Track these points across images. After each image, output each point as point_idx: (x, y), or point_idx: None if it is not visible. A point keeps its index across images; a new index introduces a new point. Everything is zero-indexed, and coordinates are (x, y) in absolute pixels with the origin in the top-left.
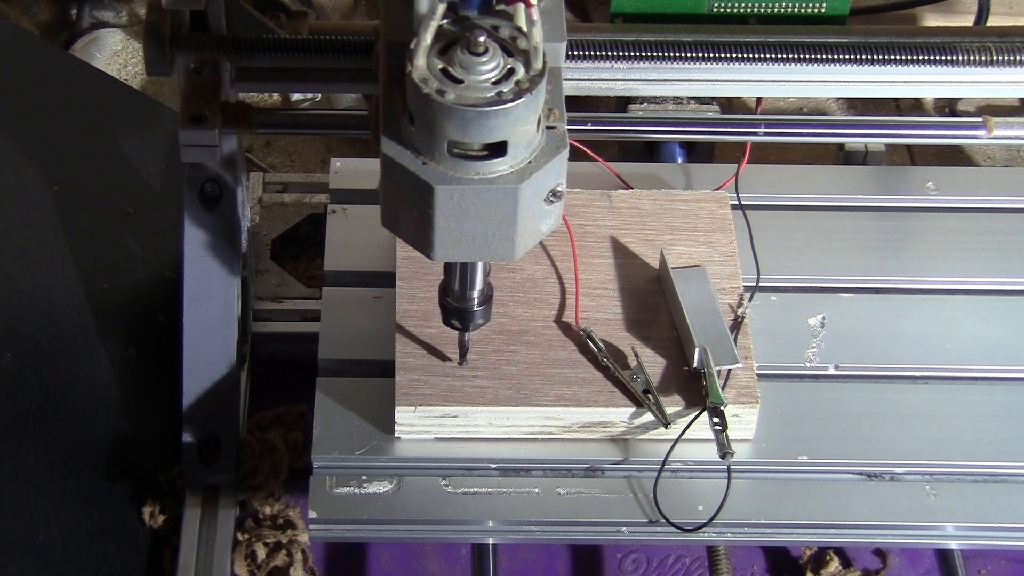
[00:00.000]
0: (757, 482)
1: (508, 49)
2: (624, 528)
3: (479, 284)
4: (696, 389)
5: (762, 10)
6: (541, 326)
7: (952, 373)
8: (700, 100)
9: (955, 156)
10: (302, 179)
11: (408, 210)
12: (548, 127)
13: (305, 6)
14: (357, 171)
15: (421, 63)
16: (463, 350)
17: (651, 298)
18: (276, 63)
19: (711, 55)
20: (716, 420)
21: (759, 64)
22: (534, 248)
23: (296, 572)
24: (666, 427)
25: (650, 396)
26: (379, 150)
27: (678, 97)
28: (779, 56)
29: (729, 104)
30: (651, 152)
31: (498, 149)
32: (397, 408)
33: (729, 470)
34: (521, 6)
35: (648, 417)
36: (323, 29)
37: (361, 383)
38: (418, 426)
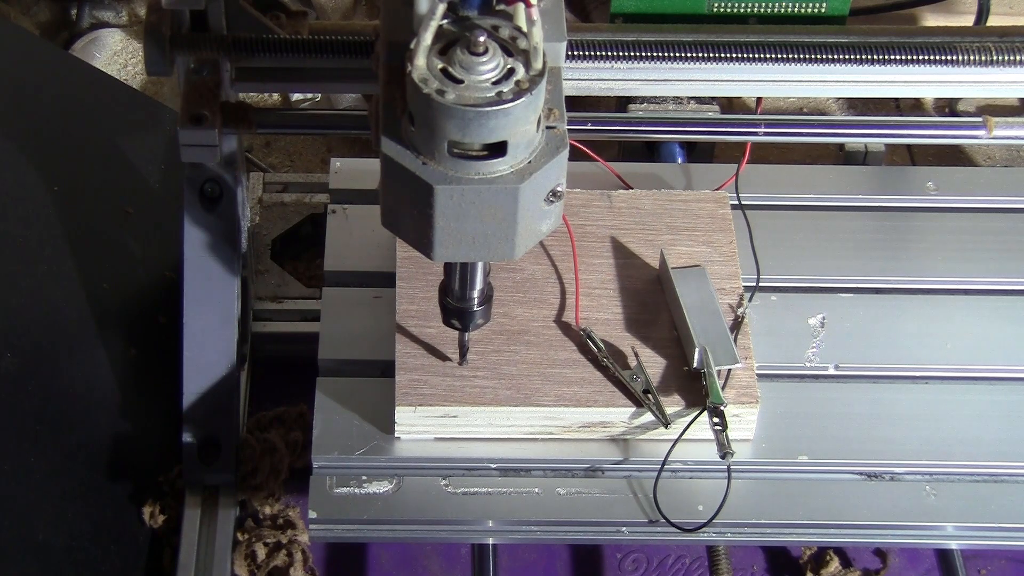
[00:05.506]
0: (757, 482)
1: (508, 49)
2: (624, 528)
3: (479, 284)
4: (696, 389)
5: (762, 10)
6: (541, 326)
7: (952, 373)
8: (700, 100)
9: (955, 156)
10: (302, 179)
11: (408, 210)
12: (548, 127)
13: (305, 6)
14: (357, 171)
15: (421, 63)
16: (463, 350)
17: (651, 298)
18: (276, 63)
19: (711, 55)
20: (716, 420)
21: (759, 64)
22: (534, 248)
23: (296, 572)
24: (666, 427)
25: (650, 396)
26: (379, 150)
27: (678, 97)
28: (779, 56)
29: (729, 104)
30: (651, 152)
31: (498, 149)
32: (397, 408)
33: (729, 470)
34: (521, 6)
35: (648, 417)
36: (323, 29)
37: (361, 383)
38: (418, 426)
